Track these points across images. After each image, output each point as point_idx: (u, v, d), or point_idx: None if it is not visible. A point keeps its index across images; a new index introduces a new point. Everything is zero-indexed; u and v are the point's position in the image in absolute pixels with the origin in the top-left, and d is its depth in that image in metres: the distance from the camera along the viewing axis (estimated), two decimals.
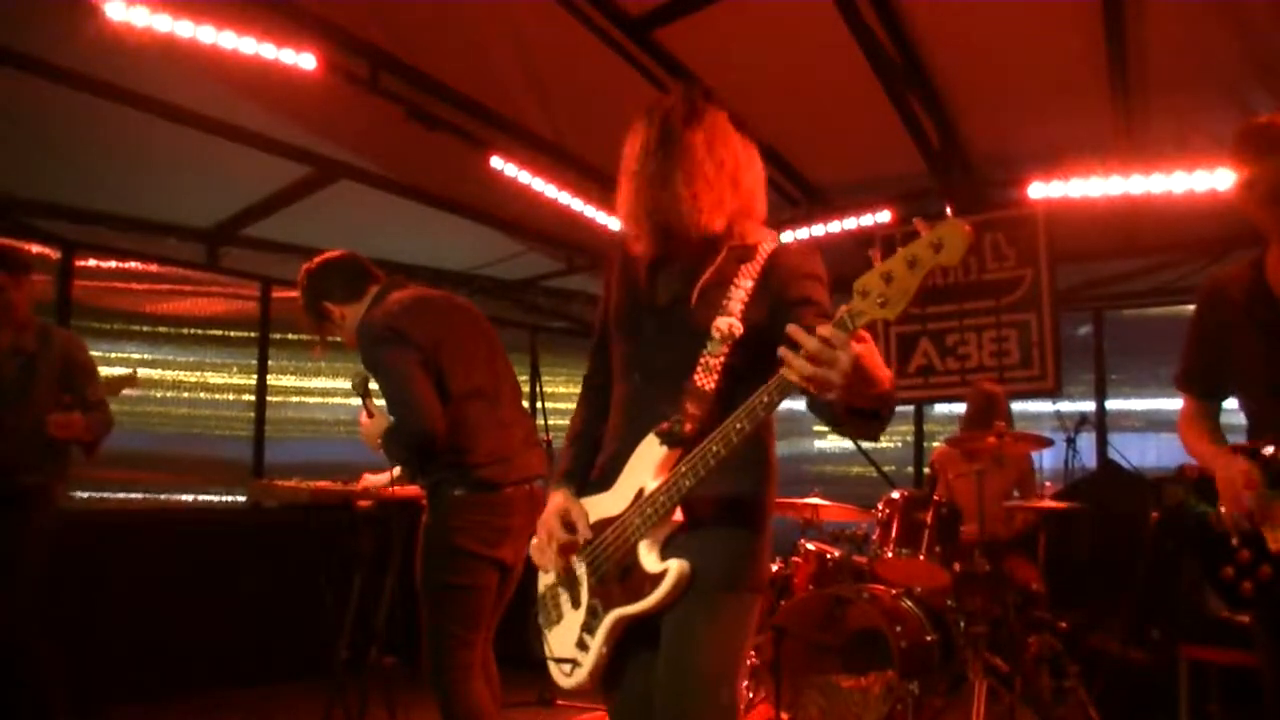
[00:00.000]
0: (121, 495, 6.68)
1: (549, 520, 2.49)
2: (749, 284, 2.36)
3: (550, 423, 6.89)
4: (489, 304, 8.81)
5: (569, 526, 2.46)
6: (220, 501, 7.21)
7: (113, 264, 6.70)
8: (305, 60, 4.66)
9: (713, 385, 2.30)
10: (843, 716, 4.79)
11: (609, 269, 2.64)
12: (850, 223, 7.04)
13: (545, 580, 2.59)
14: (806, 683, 4.91)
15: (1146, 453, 7.60)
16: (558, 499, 2.52)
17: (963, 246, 1.83)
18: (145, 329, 6.76)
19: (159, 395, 6.98)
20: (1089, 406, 7.60)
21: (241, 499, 7.24)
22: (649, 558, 2.27)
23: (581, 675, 2.41)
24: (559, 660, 2.47)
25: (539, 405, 7.57)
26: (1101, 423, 7.69)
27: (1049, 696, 5.02)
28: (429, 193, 6.66)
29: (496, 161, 5.84)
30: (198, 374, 7.17)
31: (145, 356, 6.86)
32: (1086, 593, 5.90)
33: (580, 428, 2.69)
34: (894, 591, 5.26)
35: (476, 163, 5.84)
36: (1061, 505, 5.39)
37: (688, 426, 2.26)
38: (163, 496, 7.04)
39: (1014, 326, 6.98)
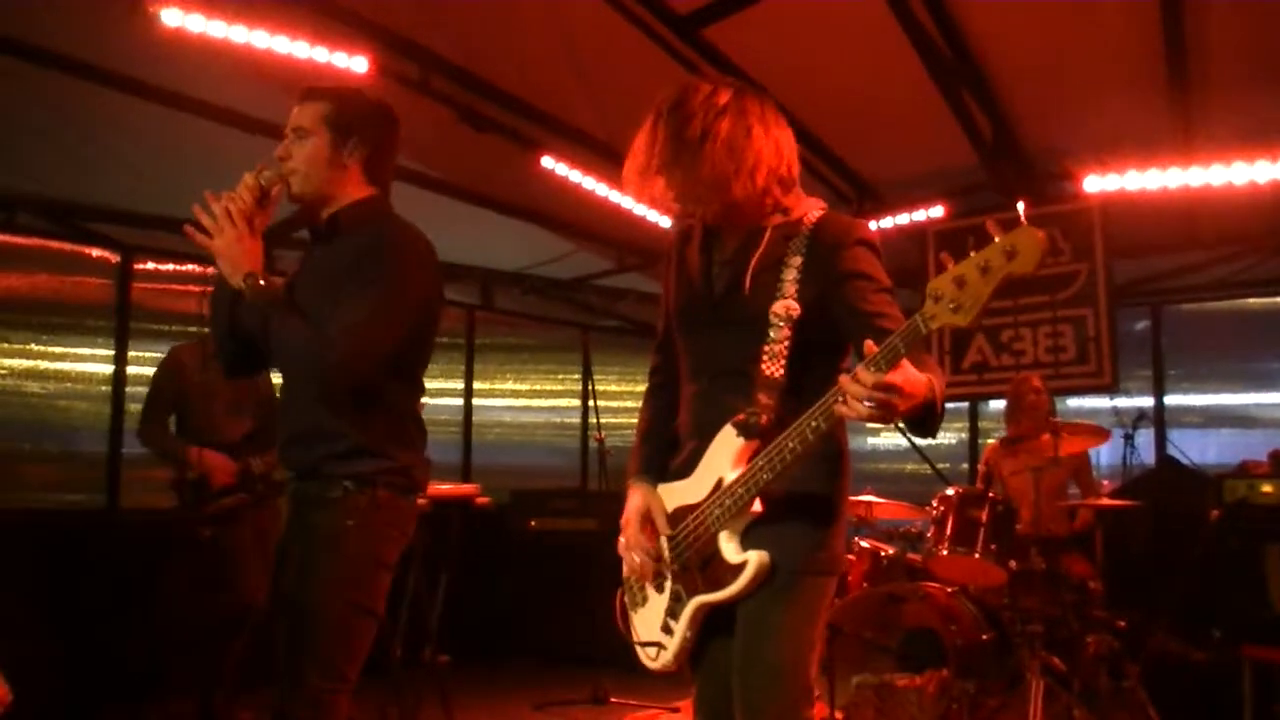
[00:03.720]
0: None
1: (631, 519, 2.55)
2: (798, 260, 2.36)
3: (602, 421, 6.90)
4: (540, 303, 8.87)
5: (649, 523, 2.51)
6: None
7: (170, 267, 6.80)
8: (357, 64, 4.70)
9: (780, 372, 2.31)
10: (897, 716, 4.76)
11: (665, 265, 2.68)
12: (903, 218, 7.01)
13: (629, 575, 2.65)
14: (861, 681, 4.89)
15: (1206, 449, 7.49)
16: (636, 497, 2.57)
17: (1038, 254, 1.84)
18: (204, 330, 6.83)
19: None
20: (1147, 402, 7.50)
21: None
22: (729, 548, 2.31)
23: (667, 658, 2.48)
24: (645, 644, 2.55)
25: (591, 404, 7.58)
26: (1160, 419, 7.58)
27: (1107, 697, 4.95)
28: (480, 194, 6.69)
29: (547, 161, 5.86)
30: None
31: None
32: (1145, 591, 5.81)
33: (649, 424, 2.72)
34: (949, 589, 5.22)
35: (527, 163, 5.86)
36: (1119, 503, 5.32)
37: (763, 418, 2.29)
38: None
39: (1069, 322, 6.91)
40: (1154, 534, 6.17)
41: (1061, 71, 5.45)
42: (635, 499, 2.57)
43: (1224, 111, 5.65)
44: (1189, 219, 6.84)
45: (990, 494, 5.33)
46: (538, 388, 9.53)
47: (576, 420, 9.52)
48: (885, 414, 1.98)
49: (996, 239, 1.87)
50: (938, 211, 6.97)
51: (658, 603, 2.52)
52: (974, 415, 8.46)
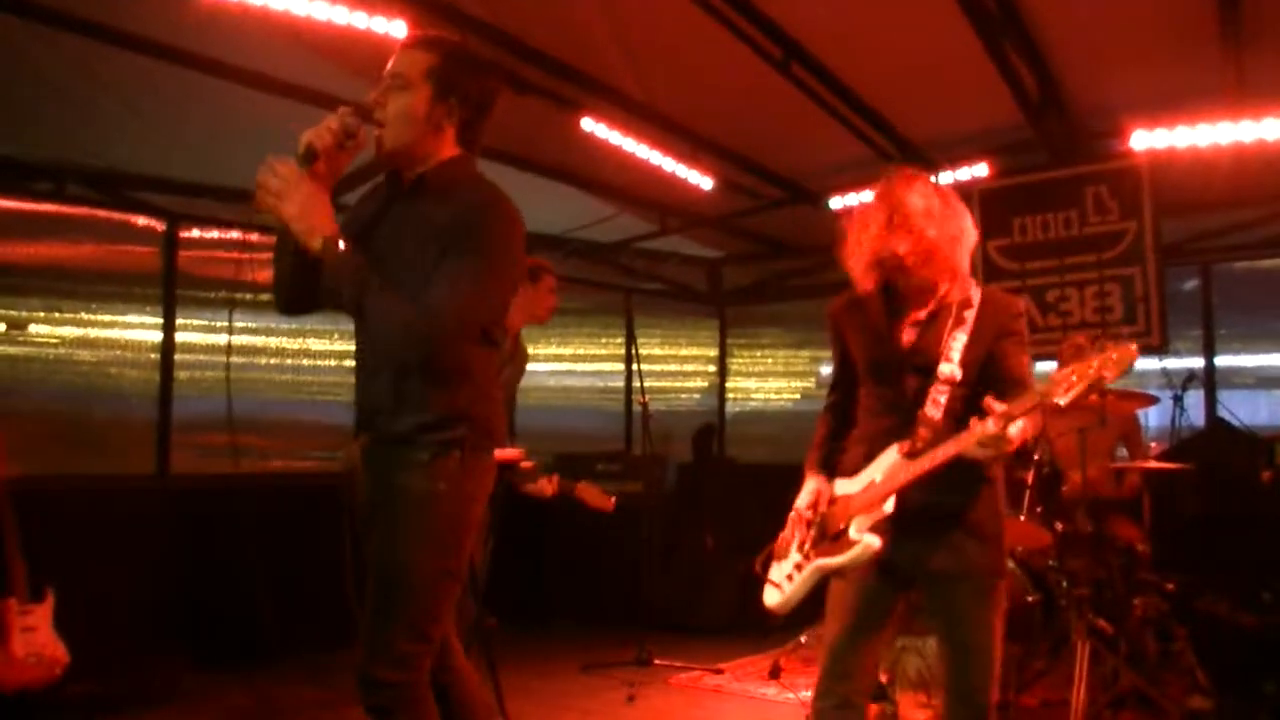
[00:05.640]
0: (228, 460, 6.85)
1: (804, 497, 3.18)
2: (967, 329, 2.99)
3: (646, 384, 6.89)
4: (582, 267, 8.87)
5: (814, 503, 3.14)
6: (326, 465, 7.36)
7: (215, 234, 6.85)
8: (396, 27, 4.69)
9: (939, 416, 2.94)
10: (941, 677, 4.75)
11: (840, 325, 3.25)
12: (947, 177, 6.92)
13: (784, 534, 3.23)
14: (905, 643, 4.88)
15: (1258, 410, 7.39)
16: (811, 482, 3.20)
17: (1125, 367, 2.62)
18: (248, 297, 6.88)
19: (263, 362, 7.15)
20: (1197, 363, 7.40)
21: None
22: (855, 529, 2.93)
23: (780, 600, 3.14)
24: (772, 582, 3.19)
25: (634, 367, 7.57)
26: (1210, 380, 7.48)
27: (1155, 660, 4.93)
28: (521, 157, 6.68)
29: (588, 123, 5.83)
30: (300, 341, 7.33)
31: (249, 324, 7.02)
32: (1194, 554, 5.76)
33: (824, 435, 3.33)
34: None
35: (567, 125, 5.85)
36: (1169, 465, 5.26)
37: (919, 445, 2.89)
38: (276, 462, 7.25)
39: (1117, 281, 6.81)
40: (1204, 496, 6.10)
41: (1109, 25, 5.35)
42: (808, 484, 3.20)
43: (1278, 63, 5.52)
44: (1240, 175, 6.69)
45: (1036, 455, 5.29)
46: (581, 352, 9.54)
47: (620, 384, 9.53)
48: (996, 456, 2.77)
49: (1111, 352, 2.61)
50: (983, 170, 6.89)
51: (791, 559, 3.14)
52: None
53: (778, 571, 3.19)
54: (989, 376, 2.99)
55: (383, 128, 2.72)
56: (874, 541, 2.87)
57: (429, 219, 2.69)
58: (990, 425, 2.67)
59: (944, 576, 2.94)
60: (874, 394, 3.16)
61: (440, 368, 2.67)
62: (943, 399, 2.95)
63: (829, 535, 3.02)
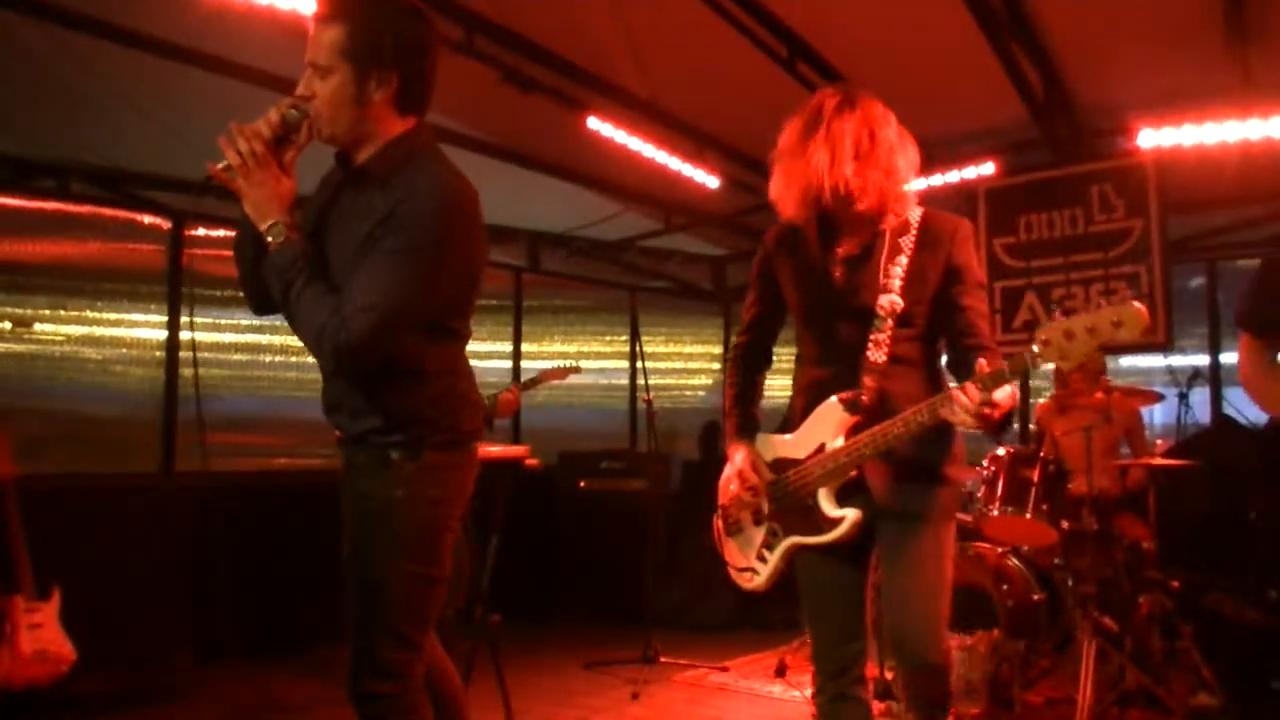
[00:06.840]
0: (234, 458, 6.86)
1: (741, 469, 2.97)
2: (905, 259, 2.76)
3: (650, 382, 6.88)
4: (587, 264, 8.87)
5: (754, 471, 2.96)
6: (330, 463, 7.37)
7: (221, 232, 6.84)
8: None
9: (884, 358, 2.74)
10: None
11: (772, 259, 3.00)
12: (953, 175, 6.91)
13: (729, 511, 3.10)
14: None
15: None
16: (740, 453, 3.00)
17: (1140, 327, 2.28)
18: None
19: (268, 360, 7.15)
20: (1203, 361, 7.39)
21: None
22: (827, 504, 2.79)
23: (759, 581, 2.99)
24: (740, 569, 3.06)
25: (639, 365, 7.56)
26: (1216, 377, 7.47)
27: (1160, 657, 4.92)
28: (525, 155, 6.68)
29: (593, 122, 5.83)
30: None
31: (254, 322, 7.01)
32: (1200, 552, 5.76)
33: (738, 390, 3.12)
34: (1000, 550, 5.20)
35: (572, 123, 5.84)
36: (1174, 462, 5.25)
37: (865, 398, 2.74)
38: (280, 460, 7.26)
39: (1123, 279, 6.79)
40: (1210, 494, 6.10)
41: (1115, 23, 5.34)
42: (739, 455, 3.00)
43: None
44: (1247, 172, 6.67)
45: (1042, 453, 5.29)
46: (585, 349, 9.54)
47: (624, 382, 9.53)
48: (981, 425, 2.50)
49: (1104, 307, 2.32)
50: (988, 169, 6.88)
51: (754, 535, 3.00)
52: (1024, 374, 8.34)
53: (738, 553, 3.05)
54: (943, 325, 2.80)
55: (318, 119, 2.56)
56: (855, 515, 2.73)
57: (371, 212, 2.51)
58: (972, 392, 2.45)
59: (898, 516, 2.75)
60: (810, 341, 2.93)
61: (376, 372, 2.52)
62: (885, 338, 2.73)
63: (794, 508, 2.86)
